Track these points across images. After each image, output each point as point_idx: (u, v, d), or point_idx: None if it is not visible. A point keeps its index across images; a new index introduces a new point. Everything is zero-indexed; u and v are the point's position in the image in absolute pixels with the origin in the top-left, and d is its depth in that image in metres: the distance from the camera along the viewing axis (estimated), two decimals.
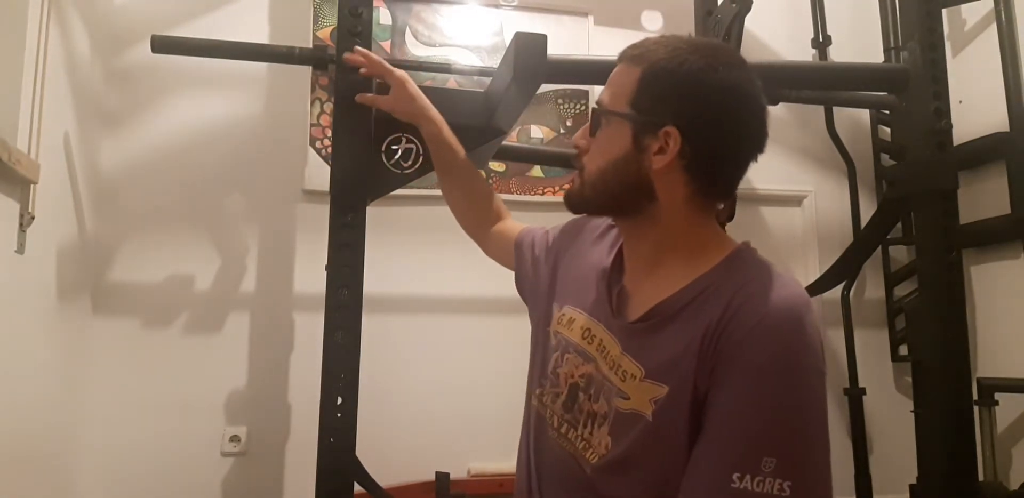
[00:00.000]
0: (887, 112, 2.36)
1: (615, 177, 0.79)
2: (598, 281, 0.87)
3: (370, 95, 1.29)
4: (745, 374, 0.68)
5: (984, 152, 2.13)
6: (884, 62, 2.34)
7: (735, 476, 0.64)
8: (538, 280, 1.00)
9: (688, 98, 0.75)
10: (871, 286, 2.42)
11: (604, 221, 0.95)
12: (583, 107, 2.29)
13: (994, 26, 2.14)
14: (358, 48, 1.33)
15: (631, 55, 0.81)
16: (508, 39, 1.81)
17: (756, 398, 0.67)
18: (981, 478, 1.83)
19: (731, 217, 0.84)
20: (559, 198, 2.22)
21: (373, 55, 1.31)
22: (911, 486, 1.94)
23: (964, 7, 2.25)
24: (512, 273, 1.11)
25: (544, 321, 0.94)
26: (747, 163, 0.80)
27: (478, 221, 1.23)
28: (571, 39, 2.29)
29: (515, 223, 1.19)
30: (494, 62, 2.16)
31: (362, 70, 1.31)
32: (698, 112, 0.75)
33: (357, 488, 1.35)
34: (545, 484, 0.86)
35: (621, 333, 0.80)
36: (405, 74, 1.27)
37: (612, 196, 0.80)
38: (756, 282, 0.73)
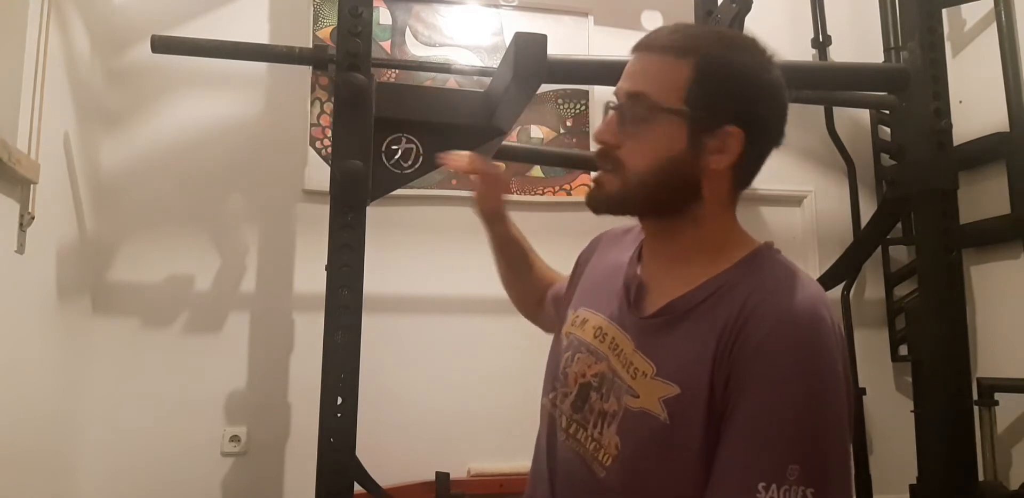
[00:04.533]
0: (887, 112, 2.36)
1: (666, 176, 0.75)
2: (615, 279, 0.86)
3: (491, 173, 1.14)
4: (764, 380, 0.67)
5: (984, 152, 2.13)
6: (884, 62, 2.34)
7: (760, 486, 0.64)
8: (562, 305, 0.98)
9: (749, 98, 0.75)
10: (871, 286, 2.42)
11: (620, 228, 0.95)
12: (583, 107, 2.29)
13: (994, 26, 2.14)
14: (452, 154, 1.14)
15: (675, 46, 0.75)
16: (508, 39, 1.81)
17: (777, 405, 0.66)
18: (981, 478, 1.83)
19: None
20: (559, 198, 2.24)
21: (467, 155, 1.14)
22: (911, 486, 1.94)
23: (964, 7, 2.25)
24: None
25: (559, 329, 0.94)
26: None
27: (534, 305, 1.18)
28: (571, 39, 2.29)
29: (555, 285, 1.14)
30: (494, 62, 2.16)
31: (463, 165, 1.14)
32: (760, 112, 0.75)
33: (357, 488, 1.35)
34: (558, 487, 0.85)
35: (635, 329, 0.79)
36: (499, 171, 1.16)
37: (658, 196, 0.77)
38: (773, 283, 0.72)
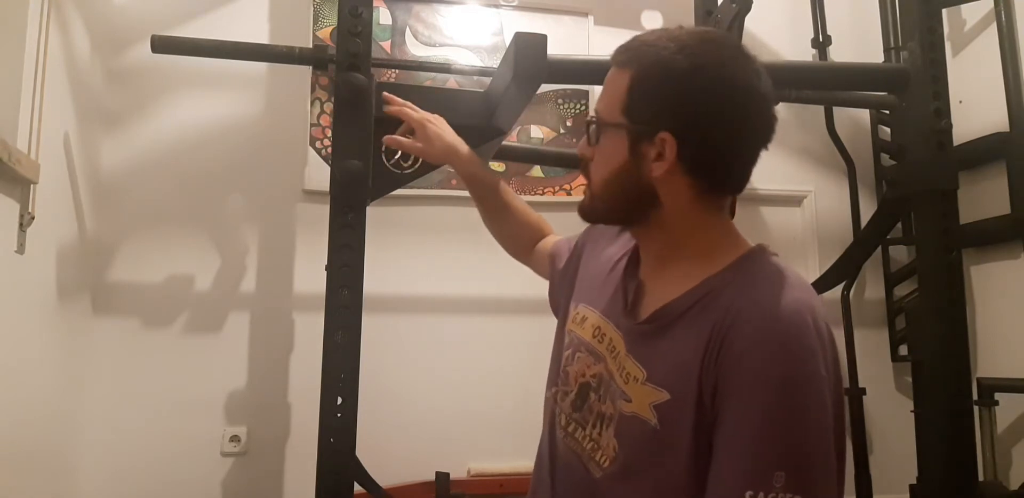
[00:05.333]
0: (887, 112, 2.36)
1: (618, 187, 0.79)
2: (613, 277, 0.87)
3: (400, 139, 1.25)
4: (746, 389, 0.67)
5: (984, 152, 2.13)
6: (884, 62, 2.34)
7: (748, 494, 0.64)
8: (562, 288, 1.00)
9: (678, 101, 0.74)
10: (871, 286, 2.42)
11: None
12: (583, 107, 2.29)
13: (994, 26, 2.14)
14: (386, 94, 1.32)
15: (620, 59, 0.79)
16: (508, 39, 1.81)
17: (759, 413, 0.66)
18: (981, 478, 1.83)
19: (731, 216, 0.84)
20: (559, 198, 2.24)
21: (396, 100, 1.30)
22: (911, 486, 1.94)
23: (964, 7, 2.25)
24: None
25: (562, 321, 0.95)
26: (754, 157, 0.78)
27: (522, 246, 1.22)
28: (571, 39, 2.29)
29: (553, 237, 1.18)
30: (494, 62, 2.16)
31: (389, 108, 1.29)
32: (690, 115, 0.74)
33: (357, 488, 1.35)
34: (558, 482, 0.86)
35: (628, 333, 0.79)
36: (424, 117, 1.24)
37: (618, 206, 0.80)
38: (757, 287, 0.72)
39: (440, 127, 1.23)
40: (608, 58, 0.82)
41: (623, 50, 0.79)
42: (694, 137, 0.74)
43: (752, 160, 0.78)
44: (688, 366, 0.71)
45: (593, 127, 0.81)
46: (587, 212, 0.85)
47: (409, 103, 1.30)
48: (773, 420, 0.66)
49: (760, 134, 0.77)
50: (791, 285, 0.72)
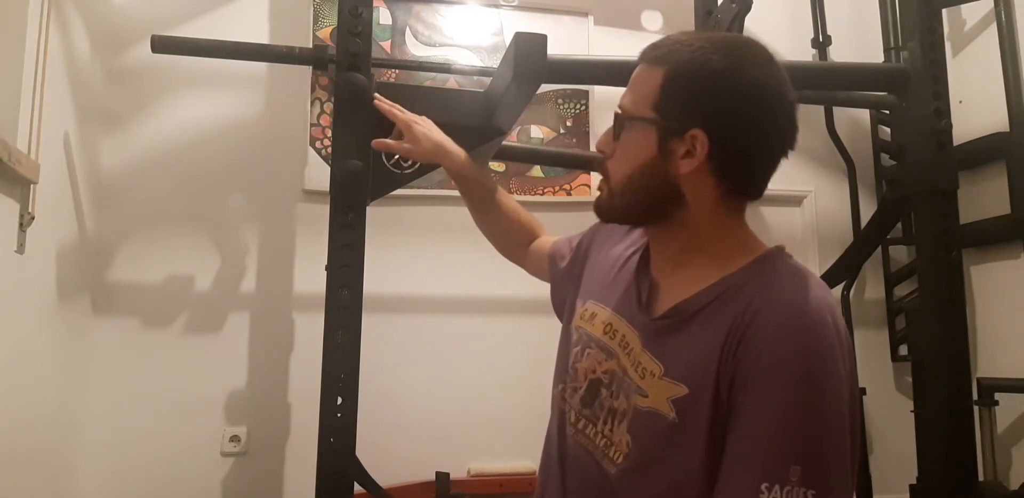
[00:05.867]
0: (887, 112, 2.36)
1: (642, 183, 0.78)
2: (623, 275, 0.87)
3: (386, 141, 1.27)
4: (765, 383, 0.68)
5: (984, 152, 2.13)
6: (884, 62, 2.34)
7: (763, 486, 0.64)
8: (567, 287, 1.00)
9: (713, 100, 0.74)
10: (871, 286, 2.42)
11: None
12: (583, 107, 2.29)
13: (994, 26, 2.14)
14: (376, 97, 1.35)
15: (652, 56, 0.78)
16: (508, 39, 1.81)
17: (778, 407, 0.67)
18: (981, 478, 1.83)
19: None
20: (559, 198, 2.24)
21: (385, 102, 1.33)
22: (911, 486, 1.94)
23: (964, 7, 2.25)
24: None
25: (568, 318, 0.95)
26: (777, 161, 0.80)
27: (514, 246, 1.23)
28: (571, 39, 2.29)
29: (549, 238, 1.19)
30: (494, 62, 2.16)
31: (379, 106, 1.32)
32: (725, 114, 0.74)
33: (357, 488, 1.35)
34: (569, 480, 0.86)
35: (643, 329, 0.80)
36: (410, 118, 1.26)
37: (639, 202, 0.79)
38: (778, 286, 0.73)
39: (426, 127, 1.25)
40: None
41: (655, 47, 0.79)
42: (726, 137, 0.75)
43: (774, 166, 0.80)
44: (706, 361, 0.71)
45: (618, 121, 0.80)
46: (604, 210, 0.83)
47: (397, 105, 1.31)
48: (791, 415, 0.66)
49: (786, 140, 0.79)
50: (811, 285, 0.73)
